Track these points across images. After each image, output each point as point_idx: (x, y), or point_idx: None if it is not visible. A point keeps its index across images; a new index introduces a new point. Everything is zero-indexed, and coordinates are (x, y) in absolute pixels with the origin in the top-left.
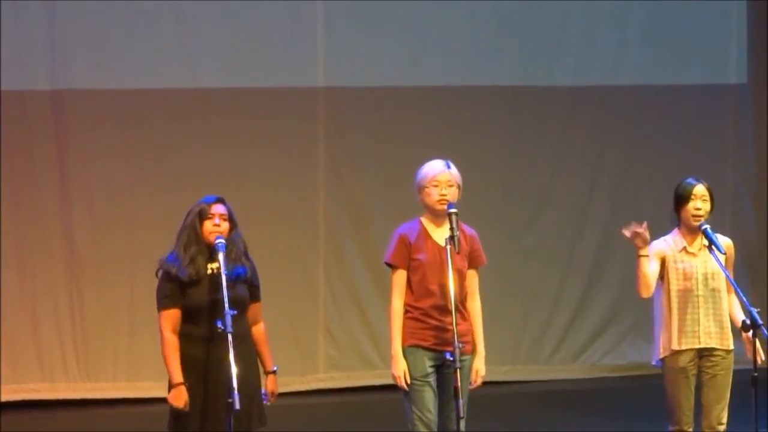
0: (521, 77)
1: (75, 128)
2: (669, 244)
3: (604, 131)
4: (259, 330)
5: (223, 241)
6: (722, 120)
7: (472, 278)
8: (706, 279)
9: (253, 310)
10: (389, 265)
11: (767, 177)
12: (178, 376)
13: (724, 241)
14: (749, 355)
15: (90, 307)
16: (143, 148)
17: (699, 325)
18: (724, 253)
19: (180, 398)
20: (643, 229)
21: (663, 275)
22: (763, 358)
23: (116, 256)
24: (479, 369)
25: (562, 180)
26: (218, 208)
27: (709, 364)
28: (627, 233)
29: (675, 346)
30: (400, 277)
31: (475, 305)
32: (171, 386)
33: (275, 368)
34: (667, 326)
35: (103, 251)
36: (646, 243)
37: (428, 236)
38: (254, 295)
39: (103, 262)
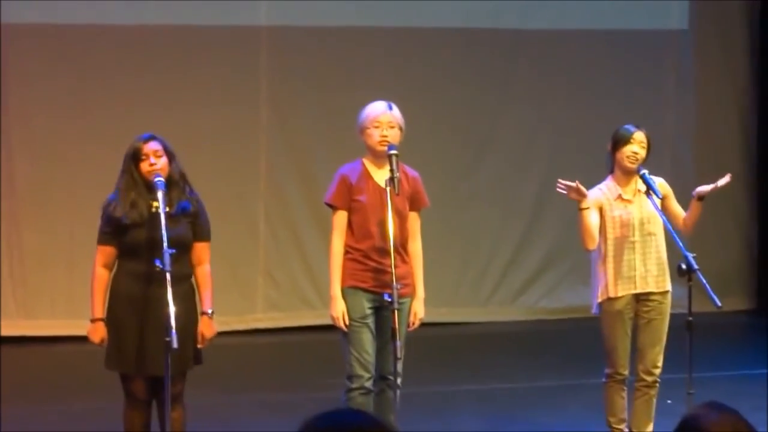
0: (466, 20)
1: (16, 63)
2: (604, 192)
3: (548, 75)
4: (203, 271)
5: (162, 179)
6: (664, 65)
7: (414, 221)
8: (642, 224)
9: (199, 249)
10: (330, 205)
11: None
12: (98, 312)
13: (657, 180)
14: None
15: (29, 246)
16: (84, 85)
17: (635, 270)
18: (662, 198)
19: (96, 334)
20: (576, 184)
21: (600, 223)
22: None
23: (56, 195)
24: (418, 311)
25: (505, 123)
26: (151, 146)
27: (645, 308)
28: (563, 190)
29: (612, 294)
30: (340, 218)
31: (416, 247)
32: (91, 320)
33: (210, 311)
34: (604, 273)
35: (43, 190)
36: (584, 196)
37: (369, 177)
38: (199, 235)
39: (43, 201)
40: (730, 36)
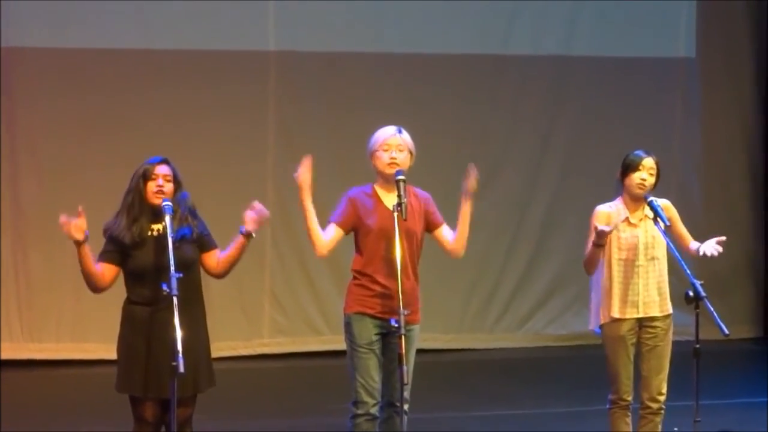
0: (475, 45)
1: (24, 87)
2: (613, 211)
3: (556, 101)
4: (221, 256)
5: (169, 203)
6: (671, 93)
7: (443, 234)
8: (646, 248)
9: (211, 258)
10: (331, 221)
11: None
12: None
13: (662, 202)
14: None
15: (35, 269)
16: (93, 109)
17: (639, 295)
18: (669, 225)
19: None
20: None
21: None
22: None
23: None
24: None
25: (513, 149)
26: (162, 169)
27: (648, 335)
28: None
29: (616, 315)
30: (332, 228)
31: (454, 245)
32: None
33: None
34: (608, 295)
35: (49, 213)
36: (606, 237)
37: (379, 201)
38: (208, 244)
39: (49, 224)
40: (737, 64)
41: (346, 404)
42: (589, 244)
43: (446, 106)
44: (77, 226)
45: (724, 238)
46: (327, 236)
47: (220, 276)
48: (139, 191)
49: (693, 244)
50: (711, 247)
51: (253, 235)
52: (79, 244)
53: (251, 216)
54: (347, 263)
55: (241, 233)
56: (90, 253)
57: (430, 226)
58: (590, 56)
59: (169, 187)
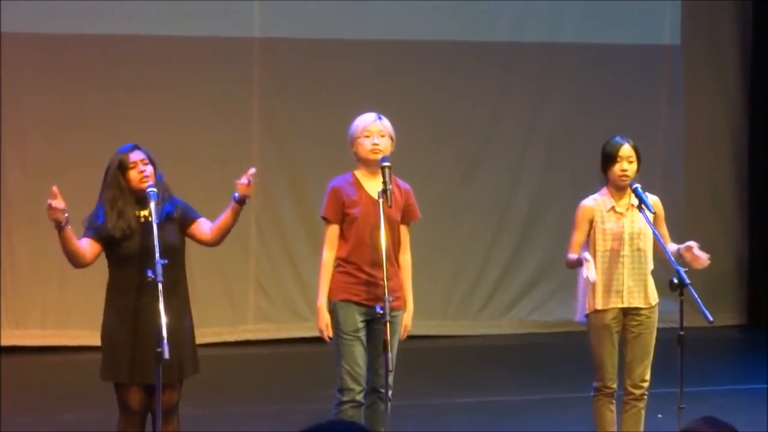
0: (460, 32)
1: (8, 73)
2: (597, 202)
3: (541, 89)
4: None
5: (154, 189)
6: (656, 80)
7: (404, 233)
8: (632, 239)
9: (199, 227)
10: (324, 218)
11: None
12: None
13: (652, 199)
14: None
15: (20, 256)
16: (77, 98)
17: (623, 285)
18: (654, 212)
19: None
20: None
21: (590, 234)
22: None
23: None
24: (407, 324)
25: (498, 137)
26: (137, 155)
27: (633, 322)
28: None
29: (599, 306)
30: (332, 231)
31: (405, 259)
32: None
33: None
34: (592, 285)
35: (34, 201)
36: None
37: (361, 189)
38: (191, 216)
39: (34, 212)
40: (722, 51)
41: (331, 390)
42: (573, 240)
43: (431, 93)
44: (56, 207)
45: (697, 244)
46: (332, 238)
47: (214, 243)
48: (118, 183)
49: (671, 246)
50: (698, 259)
51: (246, 201)
52: (60, 228)
53: (243, 183)
54: None
55: (235, 200)
56: (72, 233)
57: (403, 218)
58: (575, 43)
59: (149, 170)
